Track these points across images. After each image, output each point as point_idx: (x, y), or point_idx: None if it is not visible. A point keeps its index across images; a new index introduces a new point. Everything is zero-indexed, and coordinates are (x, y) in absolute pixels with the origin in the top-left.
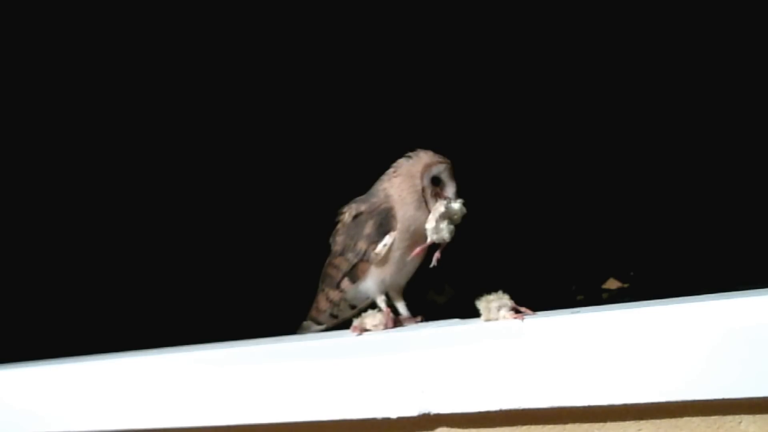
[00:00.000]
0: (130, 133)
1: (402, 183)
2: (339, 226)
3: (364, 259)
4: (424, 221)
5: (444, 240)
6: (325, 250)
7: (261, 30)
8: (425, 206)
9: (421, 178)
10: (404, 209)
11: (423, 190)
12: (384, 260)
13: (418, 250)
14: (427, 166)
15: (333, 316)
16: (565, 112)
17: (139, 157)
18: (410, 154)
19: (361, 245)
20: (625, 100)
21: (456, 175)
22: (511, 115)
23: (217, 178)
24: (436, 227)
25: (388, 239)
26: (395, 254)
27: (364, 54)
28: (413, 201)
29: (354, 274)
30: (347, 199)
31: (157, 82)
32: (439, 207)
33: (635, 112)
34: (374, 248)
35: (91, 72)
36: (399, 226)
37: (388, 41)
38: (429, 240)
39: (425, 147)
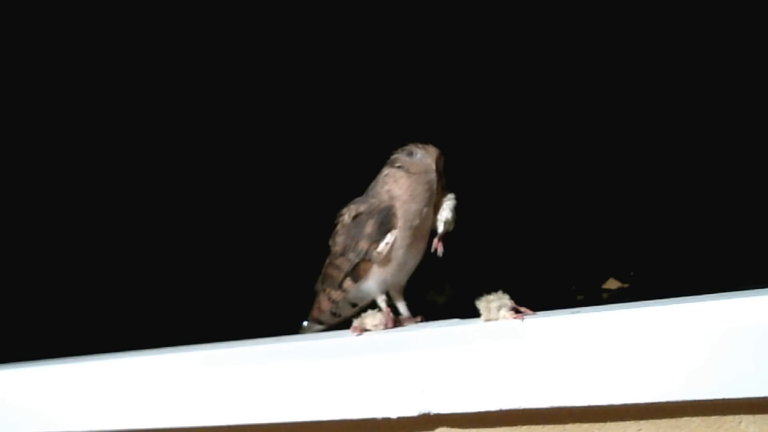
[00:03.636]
0: (130, 133)
1: (414, 181)
2: (338, 227)
3: (366, 259)
4: (428, 217)
5: (449, 230)
6: (325, 251)
7: (260, 30)
8: (432, 201)
9: (437, 172)
10: (410, 207)
11: (438, 183)
12: (386, 259)
13: (437, 243)
14: (438, 160)
15: (334, 314)
16: (565, 111)
17: (139, 157)
18: (413, 149)
19: (363, 245)
20: (624, 99)
21: (451, 171)
22: (511, 115)
23: (216, 178)
24: (450, 219)
25: (389, 237)
26: (397, 252)
27: (356, 55)
28: (424, 198)
29: (356, 273)
30: (346, 200)
31: (157, 82)
32: (451, 199)
33: (635, 112)
34: (376, 247)
35: (91, 72)
36: (400, 223)
37: (383, 43)
38: (441, 231)
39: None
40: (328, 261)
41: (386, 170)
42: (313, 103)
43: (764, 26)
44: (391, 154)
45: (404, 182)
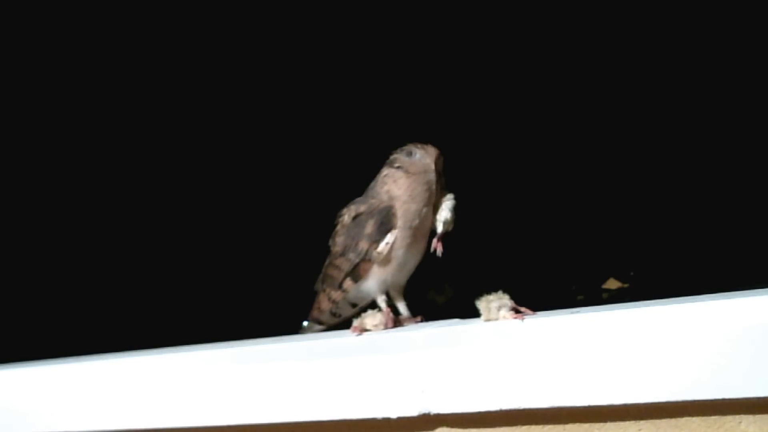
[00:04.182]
0: (130, 133)
1: (413, 181)
2: (338, 227)
3: (366, 259)
4: (427, 217)
5: (449, 230)
6: (325, 251)
7: (259, 30)
8: (431, 201)
9: (436, 172)
10: (410, 207)
11: (437, 183)
12: (386, 259)
13: (436, 243)
14: (437, 160)
15: (334, 314)
16: (565, 111)
17: (139, 157)
18: (412, 149)
19: (363, 245)
20: (624, 99)
21: (451, 171)
22: (511, 115)
23: (216, 178)
24: (449, 219)
25: (389, 237)
26: (397, 252)
27: (356, 56)
28: (423, 198)
29: (356, 273)
30: (346, 200)
31: (157, 81)
32: (450, 199)
33: (635, 112)
34: (376, 247)
35: (91, 72)
36: (400, 223)
37: (382, 43)
38: (441, 232)
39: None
40: (328, 261)
41: (385, 170)
42: (313, 103)
43: (764, 26)
44: (391, 154)
45: (403, 182)
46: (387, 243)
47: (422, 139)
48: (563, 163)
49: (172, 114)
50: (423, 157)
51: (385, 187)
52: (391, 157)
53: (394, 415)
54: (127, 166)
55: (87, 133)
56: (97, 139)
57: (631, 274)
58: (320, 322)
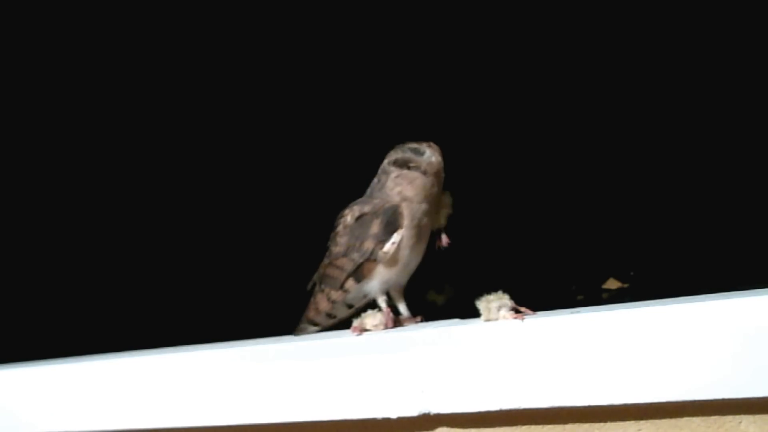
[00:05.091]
0: (130, 133)
1: (429, 182)
2: (339, 228)
3: (371, 259)
4: (431, 216)
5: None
6: (324, 251)
7: (259, 30)
8: (436, 200)
9: (444, 171)
10: (420, 207)
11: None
12: (392, 259)
13: (445, 239)
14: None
15: (330, 316)
16: (565, 111)
17: (139, 158)
18: (420, 148)
19: (368, 245)
20: (624, 99)
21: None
22: (511, 115)
23: (216, 179)
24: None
25: (396, 237)
26: (403, 252)
27: (351, 56)
28: (433, 197)
29: (359, 273)
30: (345, 200)
31: (157, 81)
32: (449, 195)
33: (635, 112)
34: (382, 247)
35: (91, 72)
36: (407, 223)
37: (382, 44)
38: (444, 226)
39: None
40: (327, 261)
41: (395, 171)
42: (312, 104)
43: (764, 26)
44: (388, 154)
45: (420, 183)
46: (393, 243)
47: (421, 138)
48: (563, 163)
49: (173, 115)
50: (433, 156)
51: (398, 188)
52: (398, 157)
53: (394, 415)
54: (127, 166)
55: (87, 133)
56: (97, 139)
57: (631, 274)
58: (315, 324)
